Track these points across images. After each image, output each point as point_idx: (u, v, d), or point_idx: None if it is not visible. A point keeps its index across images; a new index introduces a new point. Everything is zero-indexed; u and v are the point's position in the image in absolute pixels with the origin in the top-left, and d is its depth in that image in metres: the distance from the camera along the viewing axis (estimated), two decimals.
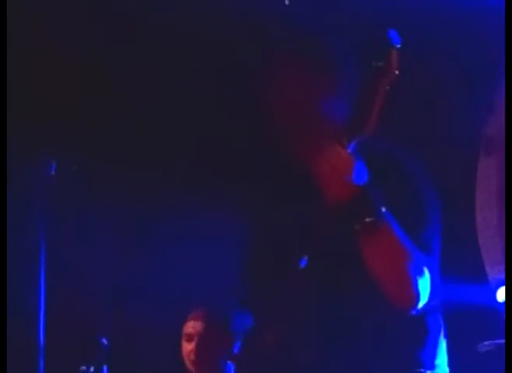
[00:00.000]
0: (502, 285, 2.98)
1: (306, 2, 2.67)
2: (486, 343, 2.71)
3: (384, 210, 1.31)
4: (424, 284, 1.36)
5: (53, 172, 2.43)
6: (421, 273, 1.36)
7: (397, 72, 1.38)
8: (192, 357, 2.77)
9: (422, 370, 1.44)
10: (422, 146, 2.38)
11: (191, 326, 2.81)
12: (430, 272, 1.38)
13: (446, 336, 1.53)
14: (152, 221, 3.21)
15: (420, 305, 1.36)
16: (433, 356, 1.48)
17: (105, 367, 2.56)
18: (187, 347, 2.79)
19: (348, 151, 1.36)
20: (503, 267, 2.12)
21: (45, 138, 3.02)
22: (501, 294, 3.18)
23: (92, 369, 2.50)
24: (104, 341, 2.57)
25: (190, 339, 2.79)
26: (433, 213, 1.47)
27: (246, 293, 1.64)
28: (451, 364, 1.56)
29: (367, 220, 1.30)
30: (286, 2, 2.77)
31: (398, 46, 1.40)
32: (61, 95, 3.12)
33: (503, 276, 2.23)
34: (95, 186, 3.10)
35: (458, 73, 2.85)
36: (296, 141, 1.42)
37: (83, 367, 2.48)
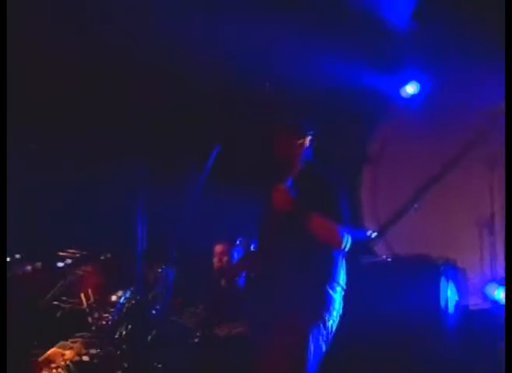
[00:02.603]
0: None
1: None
2: (367, 257, 4.70)
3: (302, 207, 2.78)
4: (345, 236, 2.83)
5: None
6: (341, 233, 2.81)
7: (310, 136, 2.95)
8: (217, 266, 4.64)
9: (335, 283, 2.89)
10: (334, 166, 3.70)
11: (217, 252, 4.70)
12: (345, 230, 2.84)
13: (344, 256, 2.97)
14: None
15: (344, 246, 2.83)
16: (339, 274, 2.94)
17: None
18: (215, 263, 4.67)
19: (285, 184, 2.87)
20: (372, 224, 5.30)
21: None
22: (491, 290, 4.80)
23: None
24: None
25: (215, 255, 4.69)
26: (343, 200, 2.91)
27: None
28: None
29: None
30: (267, 89, 4.58)
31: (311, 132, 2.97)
32: None
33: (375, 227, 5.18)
34: None
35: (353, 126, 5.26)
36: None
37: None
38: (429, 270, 4.60)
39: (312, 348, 2.82)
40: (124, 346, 4.26)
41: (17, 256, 4.70)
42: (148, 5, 4.64)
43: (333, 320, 2.93)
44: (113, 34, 4.50)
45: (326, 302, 2.87)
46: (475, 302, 4.84)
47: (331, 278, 2.93)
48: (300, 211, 2.80)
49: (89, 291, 4.37)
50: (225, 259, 4.66)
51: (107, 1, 4.52)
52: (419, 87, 5.43)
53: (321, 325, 2.87)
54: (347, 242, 2.87)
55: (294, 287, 2.86)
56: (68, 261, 4.51)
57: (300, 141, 2.96)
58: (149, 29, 4.68)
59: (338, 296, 2.93)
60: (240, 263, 3.82)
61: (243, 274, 4.23)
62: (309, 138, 2.99)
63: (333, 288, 2.91)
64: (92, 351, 4.20)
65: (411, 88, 5.46)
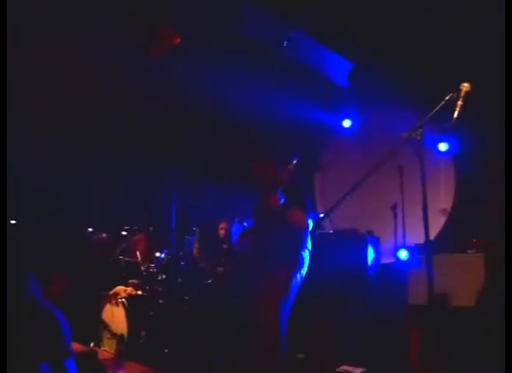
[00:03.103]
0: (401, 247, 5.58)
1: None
2: (319, 231, 5.53)
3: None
4: (309, 220, 3.89)
5: None
6: (308, 218, 3.90)
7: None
8: (221, 235, 6.00)
9: (305, 248, 3.93)
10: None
11: (221, 227, 5.97)
12: (309, 216, 3.89)
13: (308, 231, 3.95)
14: None
15: (308, 226, 3.86)
16: (307, 242, 3.92)
17: None
18: (220, 234, 6.00)
19: (277, 193, 3.86)
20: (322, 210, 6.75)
21: None
22: (402, 254, 5.62)
23: None
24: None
25: (220, 229, 5.99)
26: (308, 198, 3.97)
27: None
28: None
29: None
30: (284, 44, 5.29)
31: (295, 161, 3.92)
32: None
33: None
34: None
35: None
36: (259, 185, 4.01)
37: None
38: (358, 240, 5.83)
39: (292, 286, 3.78)
40: (162, 287, 5.32)
41: (89, 229, 6.09)
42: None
43: (304, 271, 3.90)
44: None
45: (300, 260, 3.88)
46: (387, 260, 5.93)
47: (302, 245, 3.92)
48: (284, 209, 3.89)
49: (141, 250, 5.69)
50: (226, 231, 6.05)
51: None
52: (351, 122, 6.90)
53: (297, 274, 3.85)
54: (310, 224, 3.94)
55: (280, 251, 3.85)
56: (129, 231, 5.74)
57: (290, 167, 3.97)
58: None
59: (307, 256, 3.93)
60: (241, 235, 4.36)
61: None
62: (294, 163, 3.97)
63: (304, 251, 3.93)
64: (143, 289, 5.40)
65: (347, 123, 6.93)
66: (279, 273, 3.78)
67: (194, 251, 5.85)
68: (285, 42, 5.58)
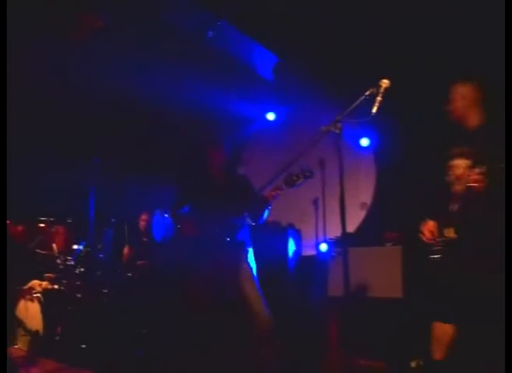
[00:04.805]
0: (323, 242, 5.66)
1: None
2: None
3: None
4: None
5: None
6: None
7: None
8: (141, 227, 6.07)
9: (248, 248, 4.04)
10: None
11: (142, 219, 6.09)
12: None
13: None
14: None
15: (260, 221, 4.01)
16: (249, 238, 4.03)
17: None
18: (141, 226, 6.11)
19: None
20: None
21: None
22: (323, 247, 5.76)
23: None
24: None
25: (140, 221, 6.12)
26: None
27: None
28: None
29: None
30: (210, 35, 5.21)
31: None
32: None
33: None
34: None
35: None
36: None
37: None
38: (279, 232, 6.05)
39: (251, 271, 4.01)
40: (80, 280, 5.15)
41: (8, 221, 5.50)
42: None
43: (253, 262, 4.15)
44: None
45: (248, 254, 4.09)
46: (308, 253, 6.09)
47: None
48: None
49: (59, 243, 5.49)
50: (146, 223, 6.15)
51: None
52: (275, 115, 6.98)
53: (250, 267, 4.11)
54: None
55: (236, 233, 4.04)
56: (46, 223, 5.47)
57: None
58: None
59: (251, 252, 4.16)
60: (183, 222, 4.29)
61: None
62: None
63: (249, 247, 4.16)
64: (60, 283, 5.18)
65: (271, 116, 7.01)
66: (237, 267, 3.98)
67: (126, 250, 5.82)
68: (210, 32, 5.54)
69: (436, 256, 3.39)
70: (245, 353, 3.81)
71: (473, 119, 3.46)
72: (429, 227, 3.47)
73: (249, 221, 4.19)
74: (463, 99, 3.45)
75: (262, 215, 4.08)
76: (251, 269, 4.05)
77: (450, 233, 3.36)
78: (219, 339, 3.85)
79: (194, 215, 4.10)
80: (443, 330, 3.35)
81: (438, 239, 3.40)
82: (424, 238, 3.47)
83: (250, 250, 4.12)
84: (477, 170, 3.16)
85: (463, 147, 3.41)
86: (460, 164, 3.39)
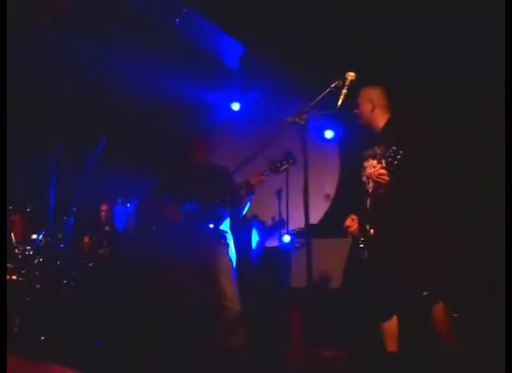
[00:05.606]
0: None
1: None
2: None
3: None
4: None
5: None
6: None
7: None
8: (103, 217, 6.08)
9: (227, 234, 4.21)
10: None
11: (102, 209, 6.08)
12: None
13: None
14: None
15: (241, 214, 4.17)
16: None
17: None
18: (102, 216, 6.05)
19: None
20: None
21: None
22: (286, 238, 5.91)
23: None
24: None
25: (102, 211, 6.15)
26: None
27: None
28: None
29: None
30: (176, 21, 5.15)
31: None
32: None
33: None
34: None
35: None
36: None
37: None
38: (243, 223, 5.82)
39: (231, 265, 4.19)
40: (39, 271, 4.98)
41: None
42: None
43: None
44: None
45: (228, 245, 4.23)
46: (272, 244, 6.19)
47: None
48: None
49: (17, 232, 5.33)
50: (107, 213, 6.16)
51: None
52: (240, 105, 6.92)
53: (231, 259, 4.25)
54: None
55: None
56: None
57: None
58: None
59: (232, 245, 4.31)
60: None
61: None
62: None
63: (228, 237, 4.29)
64: (19, 273, 4.96)
65: (236, 106, 6.94)
66: (221, 257, 4.12)
67: (86, 240, 5.75)
68: (177, 19, 5.47)
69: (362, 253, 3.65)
70: (211, 344, 3.90)
71: (380, 121, 3.77)
72: (347, 222, 3.80)
73: (231, 211, 4.25)
74: (369, 102, 3.76)
75: (245, 205, 4.15)
76: (232, 262, 4.15)
77: (368, 229, 3.64)
78: (186, 328, 3.95)
79: (177, 202, 4.14)
80: (388, 324, 3.59)
81: (358, 234, 3.70)
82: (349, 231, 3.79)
83: (231, 243, 4.21)
84: (379, 165, 3.38)
85: (373, 148, 3.65)
86: (370, 164, 3.63)
